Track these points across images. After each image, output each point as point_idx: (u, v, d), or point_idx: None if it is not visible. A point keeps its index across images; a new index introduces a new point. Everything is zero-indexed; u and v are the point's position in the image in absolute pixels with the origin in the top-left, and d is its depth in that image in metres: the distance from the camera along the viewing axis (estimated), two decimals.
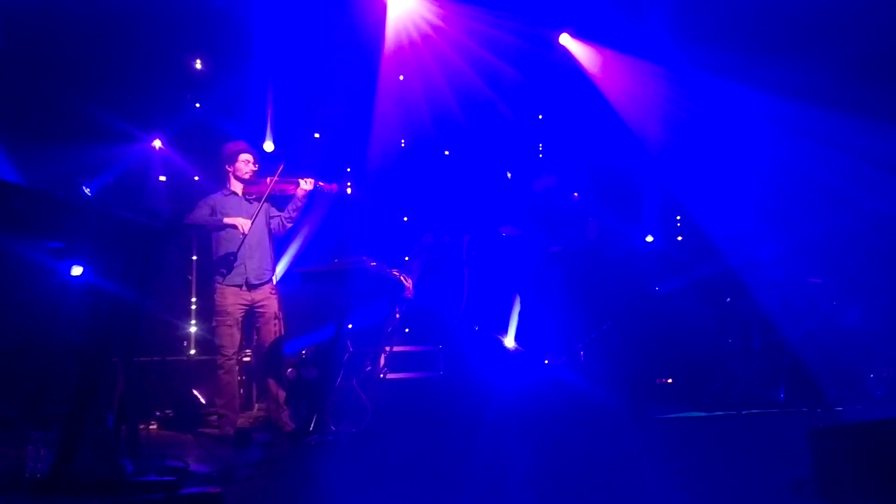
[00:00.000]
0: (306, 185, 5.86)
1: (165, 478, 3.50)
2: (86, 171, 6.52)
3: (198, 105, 7.61)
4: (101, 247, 3.58)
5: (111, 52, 6.99)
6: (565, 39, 8.82)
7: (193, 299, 7.34)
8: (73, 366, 3.60)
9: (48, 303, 5.06)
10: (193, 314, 7.31)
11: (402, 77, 8.51)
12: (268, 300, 5.79)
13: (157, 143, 7.67)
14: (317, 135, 8.32)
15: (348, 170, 8.21)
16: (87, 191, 5.95)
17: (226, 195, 5.88)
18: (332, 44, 8.24)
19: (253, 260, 5.75)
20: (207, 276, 6.05)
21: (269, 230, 5.95)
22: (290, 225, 6.00)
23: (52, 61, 6.75)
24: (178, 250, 7.37)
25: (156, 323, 6.86)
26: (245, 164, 5.87)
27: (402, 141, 8.62)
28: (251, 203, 5.84)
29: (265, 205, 5.86)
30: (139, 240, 3.66)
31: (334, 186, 6.05)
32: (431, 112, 8.43)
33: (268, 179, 5.82)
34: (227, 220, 5.71)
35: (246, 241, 5.68)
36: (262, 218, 5.85)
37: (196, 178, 7.60)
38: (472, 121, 8.50)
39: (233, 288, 5.69)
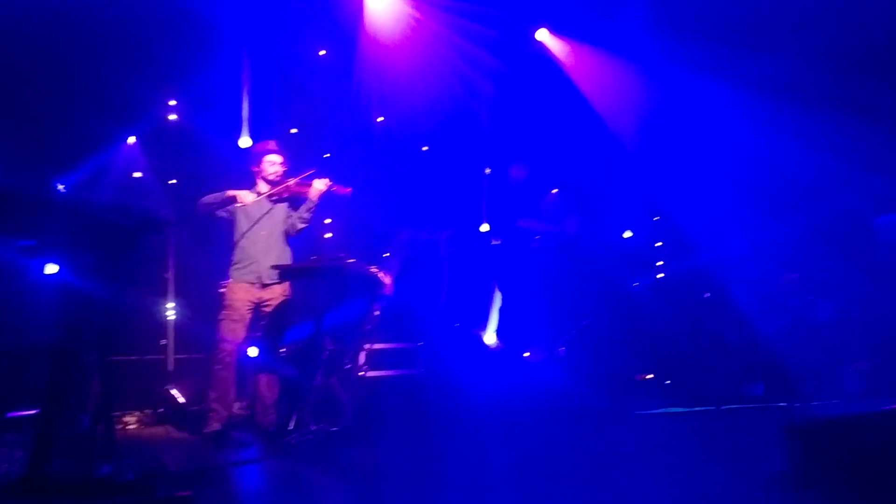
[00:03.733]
0: (320, 185, 5.77)
1: (142, 479, 3.45)
2: (59, 167, 6.43)
3: (173, 103, 7.51)
4: (74, 244, 3.53)
5: (82, 48, 6.88)
6: (542, 35, 8.83)
7: (170, 296, 7.26)
8: (47, 365, 3.54)
9: (21, 301, 4.99)
10: (171, 312, 7.23)
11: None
12: (276, 299, 5.73)
13: (132, 140, 7.57)
14: (294, 130, 8.25)
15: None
16: (60, 188, 5.87)
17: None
18: (308, 37, 8.18)
19: (268, 259, 5.70)
20: (204, 271, 6.00)
21: (284, 231, 5.88)
22: (302, 226, 5.86)
23: (21, 57, 6.63)
24: (155, 247, 7.28)
25: (132, 321, 6.77)
26: (271, 164, 5.80)
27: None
28: (275, 205, 5.80)
29: (282, 205, 5.83)
30: (113, 237, 3.61)
31: (349, 190, 5.95)
32: (408, 107, 8.39)
33: (290, 181, 5.78)
34: (228, 193, 5.68)
35: (262, 239, 5.69)
36: (279, 217, 5.81)
37: (173, 181, 7.52)
38: (449, 116, 8.47)
39: (244, 284, 5.64)
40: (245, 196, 5.70)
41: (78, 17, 6.69)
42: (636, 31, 8.16)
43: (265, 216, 5.75)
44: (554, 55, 8.86)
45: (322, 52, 8.31)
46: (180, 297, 7.23)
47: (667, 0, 7.93)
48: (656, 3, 7.95)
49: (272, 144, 5.94)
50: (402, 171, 8.47)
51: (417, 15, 8.17)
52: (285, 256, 5.83)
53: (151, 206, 7.22)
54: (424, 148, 8.75)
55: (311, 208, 5.83)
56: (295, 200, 5.89)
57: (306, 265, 5.87)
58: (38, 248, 3.76)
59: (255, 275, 5.67)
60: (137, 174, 7.56)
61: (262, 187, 5.83)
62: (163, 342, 7.12)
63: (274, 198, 5.79)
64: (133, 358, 6.45)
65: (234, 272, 5.68)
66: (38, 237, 3.51)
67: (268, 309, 5.71)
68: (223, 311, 5.63)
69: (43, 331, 4.78)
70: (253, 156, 5.89)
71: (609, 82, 8.76)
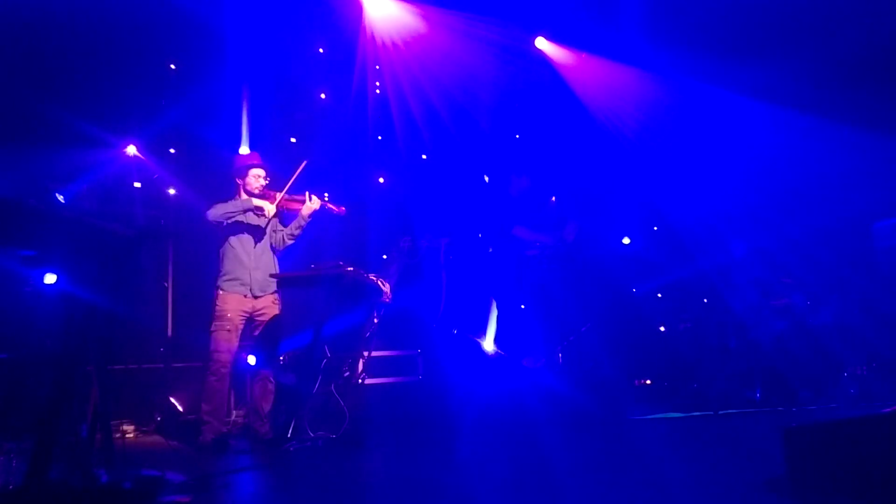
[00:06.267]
0: (313, 204, 5.87)
1: (140, 487, 3.46)
2: (59, 177, 6.44)
3: (164, 102, 7.51)
4: (75, 254, 3.54)
5: (84, 56, 6.91)
6: (541, 43, 8.86)
7: (170, 306, 7.26)
8: (47, 374, 3.55)
9: (21, 311, 4.99)
10: (170, 321, 7.23)
11: (378, 89, 8.50)
12: (269, 308, 5.79)
13: (132, 150, 7.58)
14: (293, 139, 8.28)
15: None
16: (60, 198, 5.89)
17: None
18: (308, 48, 8.22)
19: (258, 271, 5.78)
20: (203, 281, 6.02)
21: (270, 244, 5.95)
22: (290, 242, 5.98)
23: (22, 64, 6.66)
24: (154, 257, 7.29)
25: (131, 330, 6.78)
26: (256, 178, 5.87)
27: (380, 136, 8.58)
28: (259, 217, 5.85)
29: (273, 219, 5.89)
30: (113, 247, 3.62)
31: (342, 209, 6.05)
32: (408, 116, 8.42)
33: (276, 194, 5.83)
34: (255, 203, 5.73)
35: (253, 251, 5.75)
36: (267, 230, 5.89)
37: (172, 191, 7.51)
38: (449, 124, 8.50)
39: (236, 295, 5.69)
40: (270, 210, 5.77)
41: (79, 27, 6.73)
42: (636, 38, 8.20)
43: (256, 228, 5.83)
44: (554, 63, 8.90)
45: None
46: (179, 306, 7.23)
47: (666, 7, 7.96)
48: (656, 11, 7.99)
49: (256, 158, 6.01)
50: (401, 179, 8.50)
51: (417, 24, 8.21)
52: (274, 268, 5.91)
53: (151, 216, 7.24)
54: (423, 156, 8.77)
55: (301, 225, 5.94)
56: (281, 214, 5.95)
57: (305, 273, 5.90)
58: (38, 258, 3.78)
59: (247, 287, 5.72)
60: (137, 184, 7.57)
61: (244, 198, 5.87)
62: (161, 351, 7.13)
63: (261, 211, 5.84)
64: (132, 367, 6.45)
65: (225, 283, 5.72)
66: (38, 247, 3.53)
67: (262, 318, 5.76)
68: (216, 323, 5.66)
69: (43, 340, 4.80)
70: (237, 168, 5.95)
71: (609, 89, 8.80)
